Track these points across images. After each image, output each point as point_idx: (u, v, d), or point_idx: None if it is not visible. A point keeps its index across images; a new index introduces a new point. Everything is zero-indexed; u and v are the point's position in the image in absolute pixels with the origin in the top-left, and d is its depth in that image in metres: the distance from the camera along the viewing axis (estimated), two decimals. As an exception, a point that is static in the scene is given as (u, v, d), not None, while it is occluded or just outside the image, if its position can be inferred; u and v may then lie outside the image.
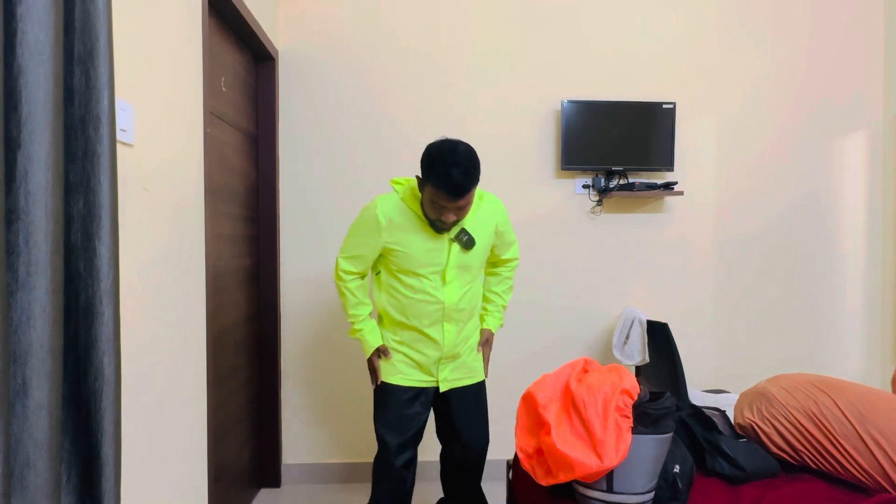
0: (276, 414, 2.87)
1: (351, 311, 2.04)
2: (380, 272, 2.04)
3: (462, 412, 2.09)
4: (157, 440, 1.56)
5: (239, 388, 2.54)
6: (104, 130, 1.05)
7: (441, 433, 2.18)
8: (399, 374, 2.03)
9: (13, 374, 0.90)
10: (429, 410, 2.10)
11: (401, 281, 1.95)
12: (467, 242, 1.92)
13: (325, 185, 2.87)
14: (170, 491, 1.65)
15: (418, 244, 1.90)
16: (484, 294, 2.19)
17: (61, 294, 0.97)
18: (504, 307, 2.22)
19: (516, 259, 2.21)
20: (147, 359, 1.51)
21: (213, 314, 1.99)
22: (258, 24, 2.48)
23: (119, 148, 1.34)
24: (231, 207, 2.42)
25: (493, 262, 2.17)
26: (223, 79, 2.31)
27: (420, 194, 1.88)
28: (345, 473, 2.92)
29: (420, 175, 1.82)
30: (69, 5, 1.02)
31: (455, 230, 1.92)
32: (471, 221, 1.94)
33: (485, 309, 2.19)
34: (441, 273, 1.94)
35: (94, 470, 1.05)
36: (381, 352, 2.03)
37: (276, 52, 2.79)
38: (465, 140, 1.75)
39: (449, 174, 1.71)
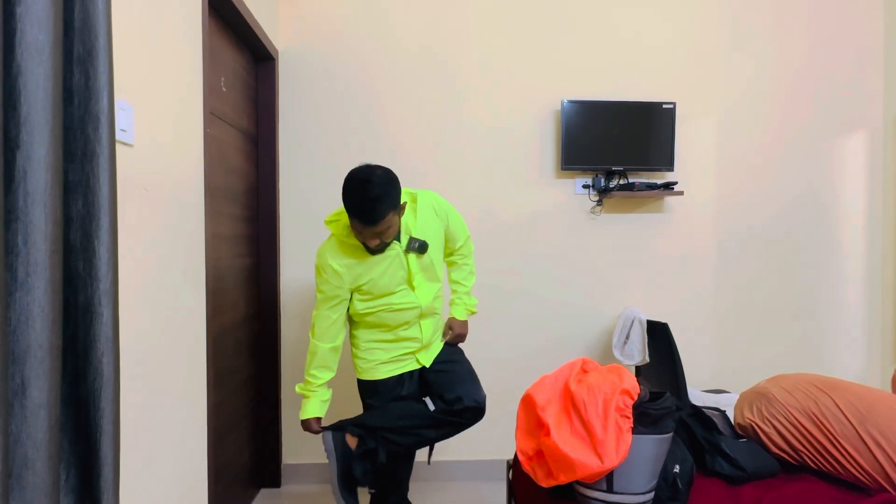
0: (276, 414, 2.87)
1: (312, 371, 2.00)
2: (352, 317, 2.06)
3: (451, 374, 2.08)
4: (156, 440, 1.56)
5: (239, 388, 2.54)
6: (103, 130, 1.05)
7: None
8: (380, 371, 2.05)
9: (12, 373, 0.90)
10: (419, 386, 2.12)
11: (374, 304, 1.97)
12: (420, 248, 1.95)
13: (325, 185, 2.87)
14: (169, 491, 1.65)
15: (378, 271, 1.92)
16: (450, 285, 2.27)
17: (60, 294, 0.97)
18: (468, 292, 2.25)
19: (468, 245, 2.22)
20: (146, 359, 1.51)
21: (213, 314, 1.99)
22: (258, 24, 2.48)
23: (119, 148, 1.34)
24: (231, 207, 2.42)
25: (449, 253, 2.20)
26: (223, 79, 2.31)
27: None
28: (345, 473, 2.91)
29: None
30: (69, 5, 1.02)
31: (404, 241, 1.94)
32: (416, 226, 1.96)
33: (451, 300, 2.26)
34: (408, 282, 1.98)
35: (92, 470, 1.05)
36: (316, 421, 2.04)
37: (276, 52, 2.79)
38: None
39: (359, 204, 1.74)
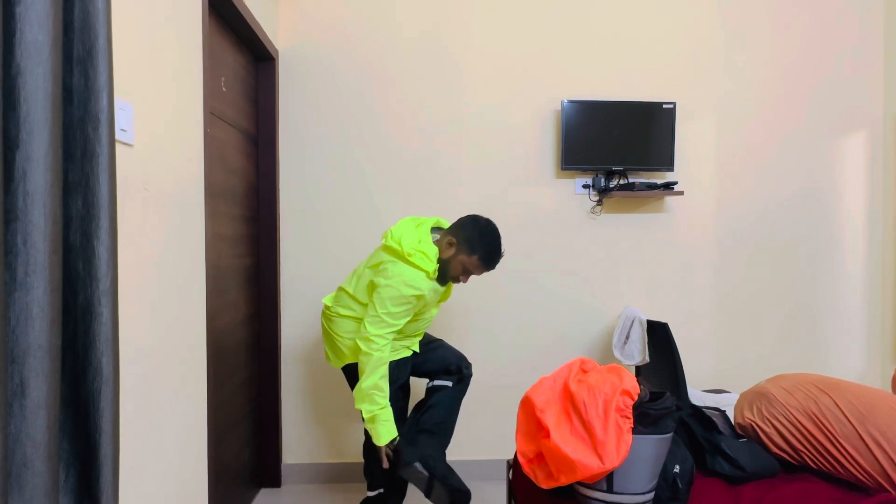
0: (276, 414, 2.87)
1: (381, 383, 1.97)
2: None
3: (442, 348, 2.31)
4: (156, 440, 1.56)
5: (239, 388, 2.54)
6: (103, 130, 1.05)
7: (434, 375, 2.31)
8: (397, 352, 2.17)
9: (11, 373, 0.90)
10: (409, 371, 2.26)
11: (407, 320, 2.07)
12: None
13: (325, 185, 2.88)
14: (170, 491, 1.65)
15: (432, 296, 2.11)
16: None
17: (60, 294, 0.97)
18: None
19: None
20: (146, 359, 1.51)
21: (213, 314, 1.99)
22: (258, 24, 2.48)
23: (119, 148, 1.34)
24: (231, 207, 2.42)
25: None
26: (223, 79, 2.31)
27: (447, 255, 2.06)
28: (345, 473, 2.91)
29: (457, 240, 2.04)
30: (68, 5, 1.02)
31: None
32: None
33: None
34: (436, 303, 2.21)
35: (92, 470, 1.05)
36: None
37: (276, 52, 2.79)
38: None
39: (498, 256, 2.07)
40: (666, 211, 3.01)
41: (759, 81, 3.02)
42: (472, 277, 2.25)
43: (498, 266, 2.89)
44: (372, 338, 1.96)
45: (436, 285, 2.07)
